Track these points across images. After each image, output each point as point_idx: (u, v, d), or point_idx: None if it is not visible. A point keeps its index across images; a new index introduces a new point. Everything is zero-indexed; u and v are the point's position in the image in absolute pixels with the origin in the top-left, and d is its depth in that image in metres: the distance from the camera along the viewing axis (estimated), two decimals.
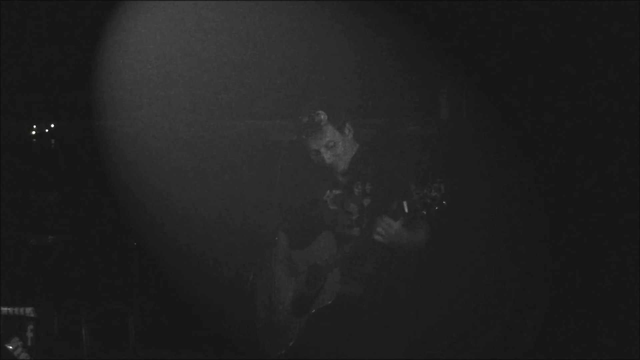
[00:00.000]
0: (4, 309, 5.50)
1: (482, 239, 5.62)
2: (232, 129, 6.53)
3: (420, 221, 4.19)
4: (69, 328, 6.03)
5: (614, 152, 5.16)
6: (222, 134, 6.51)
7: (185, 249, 6.32)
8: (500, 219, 5.59)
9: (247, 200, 6.06)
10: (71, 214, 6.65)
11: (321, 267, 4.32)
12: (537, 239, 5.50)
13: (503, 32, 5.41)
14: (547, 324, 5.43)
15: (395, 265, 4.30)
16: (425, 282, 4.60)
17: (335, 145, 4.32)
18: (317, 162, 4.37)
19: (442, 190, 3.91)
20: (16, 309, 5.53)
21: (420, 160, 5.68)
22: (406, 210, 3.98)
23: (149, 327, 6.28)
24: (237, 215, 6.15)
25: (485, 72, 5.56)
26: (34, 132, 6.63)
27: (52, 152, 6.64)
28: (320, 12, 5.79)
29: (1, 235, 6.24)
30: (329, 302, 4.25)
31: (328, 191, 4.44)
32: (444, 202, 3.92)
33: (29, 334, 5.49)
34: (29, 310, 5.53)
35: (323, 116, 4.28)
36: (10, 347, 5.26)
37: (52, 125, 6.65)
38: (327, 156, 4.32)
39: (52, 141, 6.64)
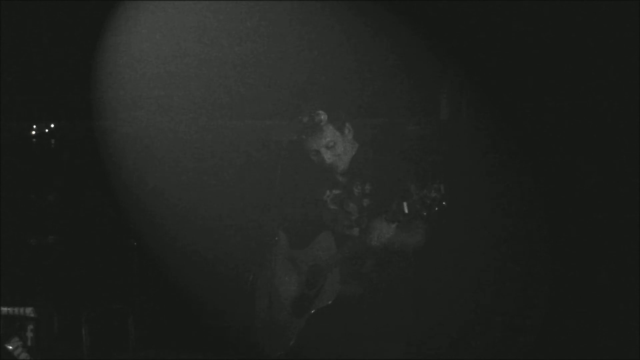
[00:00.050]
0: (4, 309, 5.50)
1: (482, 239, 5.61)
2: (232, 129, 6.52)
3: (417, 223, 4.20)
4: (69, 328, 6.02)
5: (614, 152, 5.16)
6: (222, 134, 6.51)
7: (185, 249, 6.31)
8: (500, 219, 5.59)
9: (247, 200, 6.06)
10: (71, 214, 6.65)
11: (321, 267, 4.32)
12: (537, 238, 5.50)
13: (503, 32, 5.41)
14: (547, 324, 5.43)
15: (395, 265, 4.31)
16: (425, 282, 4.60)
17: (335, 145, 4.32)
18: (317, 162, 4.37)
19: (442, 191, 3.91)
20: (16, 309, 5.53)
21: (420, 160, 5.68)
22: (406, 211, 3.98)
23: (149, 327, 6.28)
24: (237, 215, 6.15)
25: (485, 72, 5.56)
26: (34, 132, 6.63)
27: (52, 152, 6.63)
28: (320, 12, 5.78)
29: (1, 235, 6.24)
30: (329, 302, 4.25)
31: (328, 191, 4.44)
32: (443, 203, 3.92)
33: (29, 334, 5.49)
34: (29, 310, 5.53)
35: (323, 116, 4.28)
36: (10, 347, 5.26)
37: (52, 125, 6.65)
38: (327, 156, 4.32)
39: (52, 141, 6.64)
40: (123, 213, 6.38)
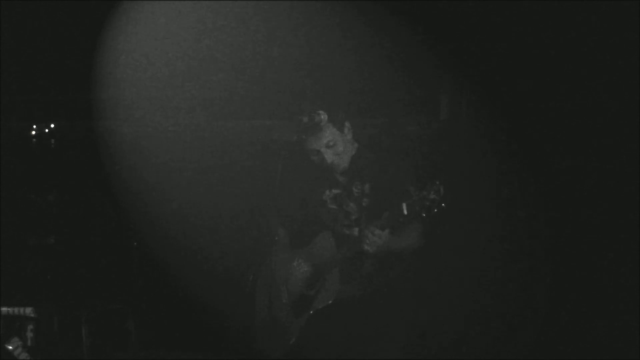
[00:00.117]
0: (4, 309, 5.50)
1: (482, 239, 5.61)
2: (232, 129, 6.52)
3: (412, 226, 4.20)
4: (69, 328, 6.02)
5: (614, 152, 5.16)
6: (222, 134, 6.50)
7: (185, 249, 6.31)
8: (500, 219, 5.59)
9: (247, 200, 6.06)
10: (71, 214, 6.64)
11: (320, 267, 4.32)
12: (537, 238, 5.50)
13: (503, 32, 5.41)
14: (547, 324, 5.43)
15: (395, 265, 4.31)
16: (424, 282, 4.60)
17: (336, 145, 4.33)
18: (317, 162, 4.37)
19: (441, 192, 3.91)
20: (16, 309, 5.53)
21: (419, 161, 5.68)
22: (405, 212, 3.98)
23: (149, 327, 6.28)
24: (237, 215, 6.15)
25: (485, 72, 5.55)
26: (34, 132, 6.63)
27: (52, 152, 6.63)
28: (320, 12, 5.78)
29: (1, 235, 6.24)
30: (329, 302, 4.25)
31: (327, 191, 4.45)
32: (442, 205, 3.92)
33: (29, 334, 5.49)
34: (29, 310, 5.53)
35: (323, 116, 4.28)
36: (10, 347, 5.26)
37: (52, 125, 6.64)
38: (328, 155, 4.32)
39: (52, 141, 6.63)
40: (123, 213, 6.37)
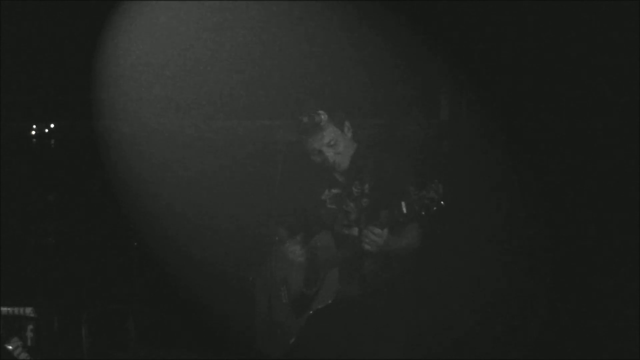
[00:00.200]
0: (4, 309, 5.50)
1: (482, 239, 5.61)
2: (232, 129, 6.52)
3: (411, 226, 4.20)
4: (69, 328, 6.02)
5: (614, 152, 5.16)
6: (222, 134, 6.50)
7: (185, 249, 6.31)
8: (500, 219, 5.59)
9: (247, 200, 6.06)
10: (71, 214, 6.64)
11: (320, 266, 4.32)
12: (537, 239, 5.49)
13: (503, 32, 5.41)
14: (547, 324, 5.43)
15: (394, 265, 4.31)
16: (424, 281, 4.60)
17: (337, 144, 4.33)
18: (318, 162, 4.37)
19: (440, 191, 3.91)
20: (16, 309, 5.52)
21: (419, 160, 5.68)
22: (404, 211, 3.98)
23: (149, 327, 6.28)
24: (237, 215, 6.15)
25: (485, 72, 5.55)
26: (34, 132, 6.62)
27: (52, 152, 6.63)
28: (321, 12, 5.78)
29: (1, 235, 6.24)
30: (328, 302, 4.25)
31: (327, 190, 4.45)
32: (442, 203, 3.92)
33: (29, 334, 5.48)
34: (29, 310, 5.52)
35: (323, 116, 4.29)
36: (10, 347, 5.26)
37: (52, 125, 6.64)
38: (330, 155, 4.32)
39: (52, 141, 6.63)
40: (123, 213, 6.37)
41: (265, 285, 4.56)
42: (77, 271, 6.52)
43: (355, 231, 4.30)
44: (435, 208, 3.94)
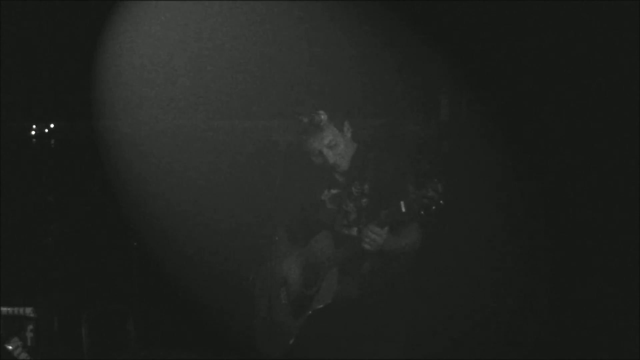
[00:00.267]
0: (4, 309, 5.50)
1: (482, 239, 5.61)
2: (232, 129, 6.52)
3: (411, 225, 4.20)
4: (69, 328, 6.02)
5: (614, 152, 5.16)
6: (222, 134, 6.50)
7: (185, 249, 6.31)
8: (500, 219, 5.59)
9: (247, 200, 6.06)
10: (71, 214, 6.64)
11: (319, 267, 4.32)
12: (537, 239, 5.49)
13: (503, 32, 5.41)
14: (548, 324, 5.43)
15: (394, 265, 4.30)
16: (424, 282, 4.60)
17: (337, 145, 4.33)
18: (319, 163, 4.37)
19: (439, 190, 3.91)
20: (16, 309, 5.52)
21: (418, 160, 5.69)
22: (403, 210, 3.98)
23: (149, 327, 6.28)
24: (237, 215, 6.15)
25: (485, 72, 5.55)
26: (34, 132, 6.62)
27: (52, 152, 6.63)
28: (321, 12, 5.78)
29: (1, 235, 6.24)
30: (328, 303, 4.25)
31: (326, 191, 4.44)
32: (441, 202, 3.92)
33: (29, 334, 5.48)
34: (29, 310, 5.52)
35: (323, 116, 4.29)
36: (10, 347, 5.26)
37: (52, 125, 6.64)
38: (330, 156, 4.32)
39: (52, 141, 6.63)
40: (123, 213, 6.37)
41: (265, 285, 4.56)
42: (77, 271, 6.52)
43: (354, 231, 4.29)
44: (434, 207, 3.93)
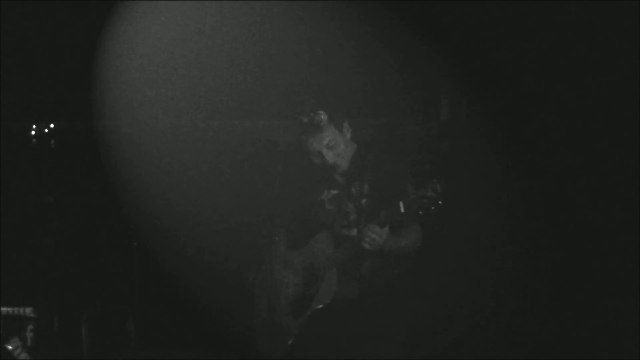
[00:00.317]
0: (4, 309, 5.50)
1: (482, 239, 5.61)
2: (232, 129, 6.52)
3: (411, 225, 4.20)
4: (69, 328, 6.02)
5: (614, 152, 5.16)
6: (222, 134, 6.50)
7: (185, 249, 6.31)
8: (500, 219, 5.59)
9: (247, 200, 6.06)
10: (71, 214, 6.64)
11: (318, 267, 4.32)
12: (537, 239, 5.49)
13: (503, 32, 5.41)
14: (548, 324, 5.43)
15: (393, 265, 4.30)
16: (423, 282, 4.60)
17: (337, 145, 4.32)
18: (319, 164, 4.37)
19: (438, 190, 3.91)
20: (16, 309, 5.52)
21: (417, 160, 5.68)
22: (402, 210, 3.98)
23: (149, 327, 6.28)
24: (237, 216, 6.15)
25: (485, 72, 5.55)
26: (34, 132, 6.62)
27: (52, 152, 6.62)
28: (320, 12, 5.78)
29: (1, 235, 6.24)
30: (327, 303, 4.25)
31: (326, 191, 4.44)
32: (440, 202, 3.92)
33: (29, 334, 5.48)
34: (29, 310, 5.52)
35: (323, 116, 4.28)
36: (10, 347, 5.26)
37: (52, 125, 6.64)
38: (329, 156, 4.32)
39: (52, 141, 6.63)
40: (123, 213, 6.37)
41: (265, 286, 4.56)
42: (77, 271, 6.52)
43: (354, 232, 4.29)
44: (433, 208, 3.94)
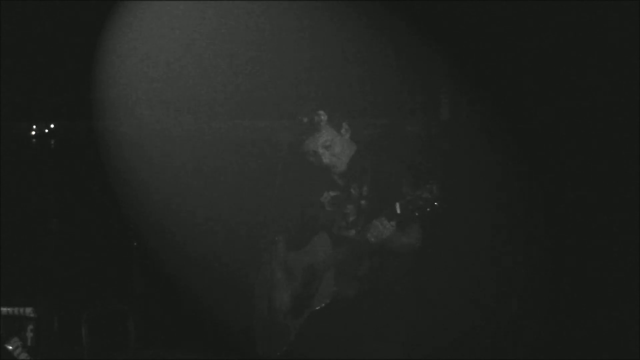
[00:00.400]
0: (4, 309, 5.50)
1: (482, 239, 5.61)
2: (232, 129, 6.52)
3: (411, 227, 4.20)
4: (69, 328, 6.02)
5: (614, 153, 5.16)
6: (222, 134, 6.50)
7: (185, 249, 6.31)
8: (500, 219, 5.59)
9: (247, 201, 6.06)
10: (71, 214, 6.64)
11: (316, 268, 4.32)
12: (537, 239, 5.49)
13: (503, 32, 5.41)
14: (548, 324, 5.43)
15: (392, 266, 4.30)
16: (422, 283, 4.60)
17: (333, 145, 4.32)
18: (315, 163, 4.36)
19: (434, 191, 3.92)
20: (16, 309, 5.52)
21: (413, 161, 5.68)
22: (398, 211, 3.99)
23: (149, 327, 6.28)
24: (237, 216, 6.15)
25: (485, 71, 5.55)
26: (34, 132, 6.62)
27: (52, 152, 6.62)
28: (320, 12, 5.78)
29: (1, 235, 6.24)
30: (325, 304, 4.25)
31: (325, 192, 4.44)
32: (435, 204, 3.92)
33: (29, 334, 5.48)
34: (29, 310, 5.52)
35: (323, 116, 4.28)
36: (10, 347, 5.26)
37: (52, 125, 6.64)
38: (325, 156, 4.31)
39: (52, 141, 6.63)
40: (123, 213, 6.37)
41: (265, 286, 4.56)
42: (77, 271, 6.52)
43: (352, 233, 4.29)
44: (428, 209, 3.94)
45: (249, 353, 4.68)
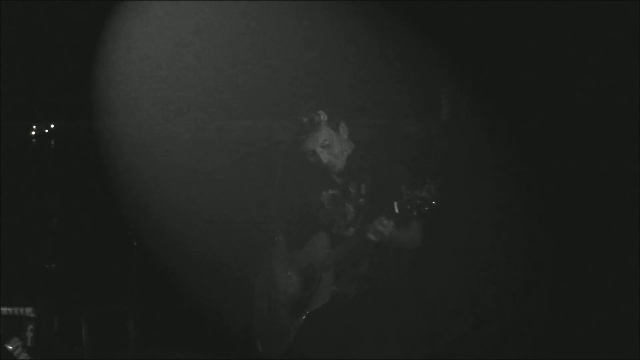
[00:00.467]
0: (4, 309, 5.50)
1: (481, 239, 5.61)
2: (232, 129, 6.52)
3: (412, 222, 4.20)
4: (69, 328, 6.02)
5: (614, 153, 5.16)
6: (222, 134, 6.50)
7: (185, 249, 6.31)
8: (499, 219, 5.59)
9: (247, 200, 6.06)
10: (71, 214, 6.64)
11: (315, 267, 4.32)
12: (537, 239, 5.49)
13: (504, 32, 5.41)
14: (548, 324, 5.43)
15: (390, 265, 4.30)
16: (421, 282, 4.60)
17: (331, 145, 4.32)
18: (313, 163, 4.37)
19: (432, 190, 3.92)
20: (16, 309, 5.52)
21: (412, 160, 5.68)
22: (396, 210, 3.99)
23: (149, 327, 6.28)
24: (237, 216, 6.15)
25: (485, 72, 5.55)
26: (34, 132, 6.62)
27: (52, 152, 6.62)
28: (320, 12, 5.78)
29: (1, 235, 6.24)
30: (323, 303, 4.25)
31: (324, 192, 4.44)
32: (433, 203, 3.92)
33: (29, 334, 5.48)
34: (29, 310, 5.52)
35: (323, 116, 4.29)
36: (10, 347, 5.26)
37: (52, 125, 6.64)
38: (324, 156, 4.32)
39: (52, 141, 6.63)
40: (123, 213, 6.37)
41: (265, 286, 4.56)
42: (77, 271, 6.52)
43: (351, 232, 4.30)
44: (427, 208, 3.94)
45: (249, 353, 4.68)
